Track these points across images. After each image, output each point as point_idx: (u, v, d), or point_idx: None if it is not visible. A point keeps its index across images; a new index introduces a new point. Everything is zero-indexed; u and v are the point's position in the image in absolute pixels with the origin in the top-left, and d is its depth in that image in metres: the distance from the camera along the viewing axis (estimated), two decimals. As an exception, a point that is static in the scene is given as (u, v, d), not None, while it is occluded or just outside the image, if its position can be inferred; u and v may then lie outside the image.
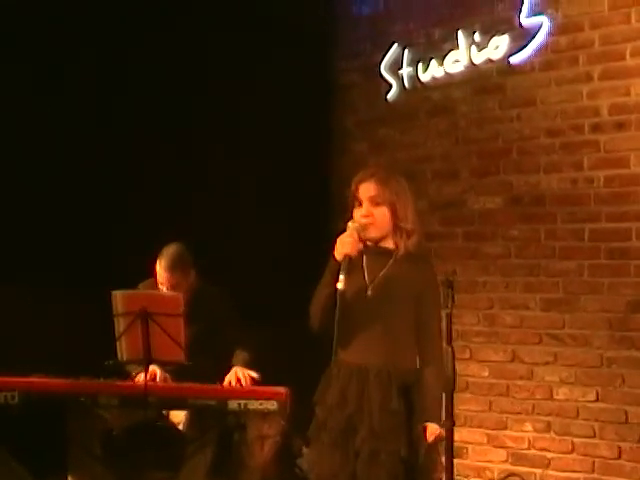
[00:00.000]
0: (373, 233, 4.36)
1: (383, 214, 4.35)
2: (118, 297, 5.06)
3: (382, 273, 4.35)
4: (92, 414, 5.31)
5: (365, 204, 4.37)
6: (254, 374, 5.35)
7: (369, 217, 4.34)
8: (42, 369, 5.28)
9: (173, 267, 5.53)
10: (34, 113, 6.38)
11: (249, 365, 5.40)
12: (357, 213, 4.38)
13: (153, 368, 5.31)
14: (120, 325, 5.05)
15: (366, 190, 4.38)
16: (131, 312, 5.02)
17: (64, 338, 6.05)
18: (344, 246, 4.25)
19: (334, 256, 4.26)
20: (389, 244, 4.39)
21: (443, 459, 4.55)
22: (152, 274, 5.62)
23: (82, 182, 6.53)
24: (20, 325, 6.04)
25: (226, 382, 5.34)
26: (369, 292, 4.34)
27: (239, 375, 5.33)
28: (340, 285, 4.20)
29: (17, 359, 5.28)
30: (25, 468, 5.49)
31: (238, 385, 5.31)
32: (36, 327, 6.07)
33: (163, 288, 5.52)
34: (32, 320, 6.09)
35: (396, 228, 4.36)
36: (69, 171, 6.49)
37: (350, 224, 4.33)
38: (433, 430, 4.29)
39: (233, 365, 5.40)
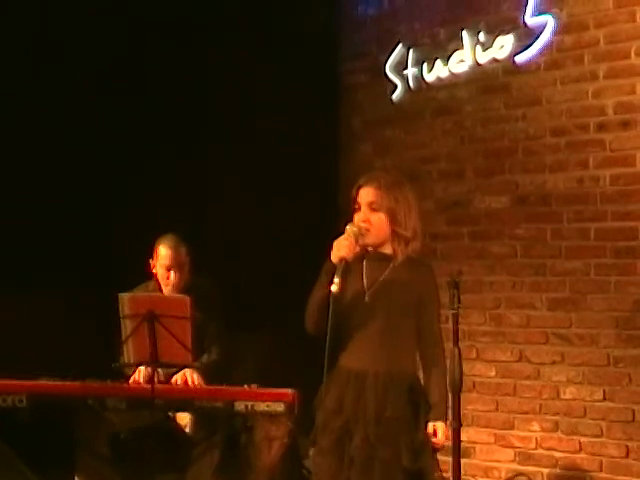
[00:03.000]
0: (371, 239, 4.37)
1: (380, 220, 4.35)
2: (125, 299, 5.06)
3: (380, 279, 4.36)
4: (100, 417, 5.32)
5: (363, 209, 4.38)
6: (199, 380, 5.33)
7: (366, 223, 4.35)
8: (50, 372, 5.29)
9: (177, 245, 5.57)
10: (39, 121, 6.42)
11: (208, 370, 5.39)
12: (356, 218, 4.38)
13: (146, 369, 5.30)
14: (127, 327, 5.05)
15: (365, 195, 4.39)
16: (138, 314, 5.01)
17: (71, 341, 6.07)
18: (340, 249, 4.26)
19: (330, 259, 4.27)
20: (388, 250, 4.39)
21: (450, 459, 4.54)
22: (149, 277, 5.63)
23: (82, 184, 6.54)
24: (27, 329, 6.05)
25: (173, 380, 5.33)
26: (367, 298, 4.35)
27: (187, 377, 5.32)
28: (334, 288, 4.20)
29: (25, 363, 5.28)
30: (33, 471, 5.50)
31: (183, 383, 5.31)
32: (43, 331, 6.09)
33: (170, 273, 5.52)
34: (39, 324, 6.11)
35: (394, 234, 4.36)
36: (69, 174, 6.51)
37: (348, 227, 4.34)
38: (442, 429, 4.30)
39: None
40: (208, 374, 5.39)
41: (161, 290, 5.60)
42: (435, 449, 4.34)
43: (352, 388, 4.33)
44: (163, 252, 5.57)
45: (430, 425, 4.30)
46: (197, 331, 5.25)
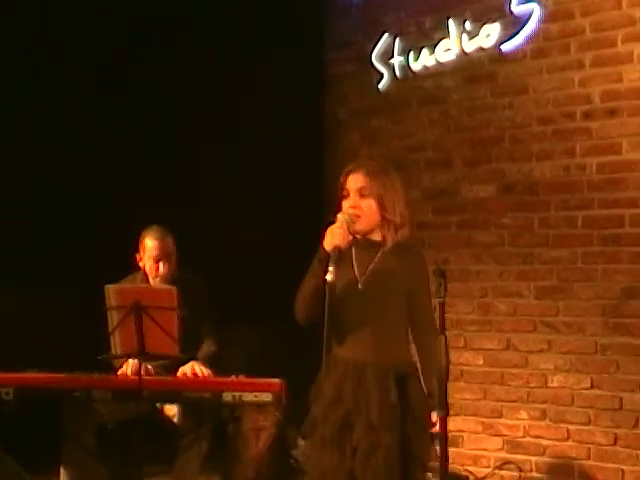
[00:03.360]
0: (360, 225, 4.33)
1: (370, 206, 4.33)
2: (111, 291, 5.04)
3: (371, 266, 4.34)
4: (86, 408, 5.30)
5: (352, 195, 4.35)
6: (207, 372, 5.33)
7: (356, 209, 4.33)
8: (36, 365, 5.27)
9: (163, 235, 5.54)
10: (39, 126, 6.44)
11: (210, 361, 5.40)
12: (345, 204, 4.36)
13: (134, 361, 5.28)
14: (113, 319, 5.02)
15: (354, 181, 4.36)
16: (124, 306, 4.98)
17: (57, 333, 6.06)
18: (334, 237, 4.22)
19: (323, 247, 4.23)
20: (377, 237, 4.37)
21: (438, 448, 4.54)
22: (135, 268, 5.61)
23: (67, 180, 6.54)
24: (12, 321, 6.04)
25: (180, 373, 5.32)
26: (360, 285, 4.32)
27: (196, 369, 5.31)
28: (329, 277, 4.15)
29: (10, 355, 5.26)
30: (19, 463, 5.49)
31: (193, 375, 5.30)
32: (28, 323, 6.08)
33: (159, 265, 5.50)
34: (24, 316, 6.10)
35: (384, 221, 4.34)
36: (65, 173, 6.50)
37: (340, 215, 4.31)
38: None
39: (197, 357, 5.41)
40: (210, 365, 5.39)
41: (148, 282, 5.57)
42: (433, 436, 4.33)
43: (350, 378, 4.30)
44: (150, 244, 5.54)
45: (433, 414, 4.28)
46: (188, 325, 5.25)
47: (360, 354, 4.33)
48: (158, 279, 5.53)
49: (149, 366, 5.34)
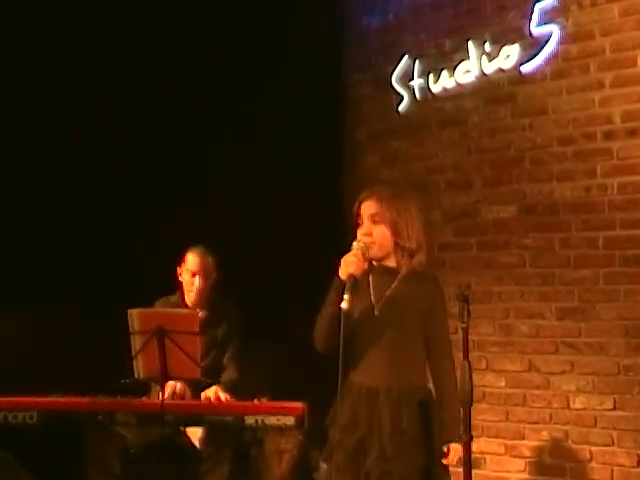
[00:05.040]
0: (374, 252, 4.37)
1: (383, 233, 4.36)
2: (134, 315, 5.07)
3: (387, 293, 4.36)
4: (110, 432, 5.32)
5: (366, 222, 4.39)
6: (228, 398, 5.37)
7: (369, 236, 4.35)
8: (60, 389, 5.29)
9: (205, 254, 5.70)
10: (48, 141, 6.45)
11: (230, 388, 5.43)
12: (360, 232, 4.39)
13: (173, 382, 5.34)
14: (136, 343, 5.07)
15: (367, 208, 4.40)
16: (147, 330, 5.03)
17: (81, 357, 6.08)
18: (349, 266, 4.25)
19: (338, 276, 4.26)
20: (392, 263, 4.39)
21: (461, 471, 4.53)
22: (173, 289, 5.66)
23: (98, 203, 6.58)
24: (37, 345, 6.07)
25: (203, 397, 5.36)
26: (376, 312, 4.35)
27: (219, 394, 5.35)
28: (344, 305, 4.18)
29: (35, 379, 5.29)
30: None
31: (216, 400, 5.34)
32: (52, 347, 6.10)
33: (195, 280, 5.60)
34: (48, 340, 6.12)
35: (397, 247, 4.36)
36: (83, 189, 6.54)
37: (355, 244, 4.34)
38: (456, 450, 4.30)
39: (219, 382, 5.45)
40: (229, 392, 5.42)
41: (184, 302, 5.67)
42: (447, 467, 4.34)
43: (365, 403, 4.33)
44: (191, 258, 5.71)
45: (444, 447, 4.29)
46: (216, 349, 5.37)
47: (375, 380, 4.35)
48: (193, 293, 5.66)
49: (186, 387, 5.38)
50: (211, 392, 5.35)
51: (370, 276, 4.40)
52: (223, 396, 5.33)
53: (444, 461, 4.31)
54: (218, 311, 5.66)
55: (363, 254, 4.31)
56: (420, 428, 4.29)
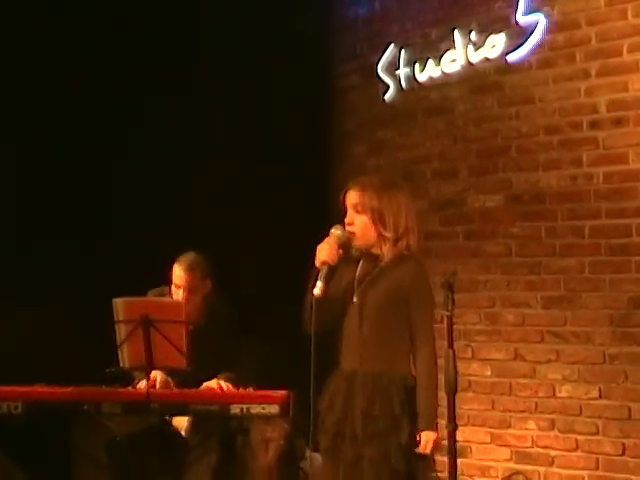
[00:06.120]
0: (357, 242, 4.42)
1: (363, 222, 4.39)
2: (119, 304, 5.05)
3: (367, 279, 4.38)
4: (96, 422, 5.31)
5: (349, 212, 4.43)
6: (231, 387, 5.33)
7: (352, 225, 4.38)
8: (44, 378, 5.28)
9: (191, 268, 5.52)
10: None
11: (232, 382, 5.37)
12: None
13: (154, 373, 5.30)
14: (121, 332, 5.04)
15: (350, 198, 4.45)
16: (132, 319, 5.01)
17: (65, 346, 6.07)
18: (320, 253, 4.32)
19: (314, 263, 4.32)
20: (377, 251, 4.42)
21: (446, 459, 4.54)
22: (165, 282, 5.64)
23: (84, 193, 6.57)
24: (21, 335, 6.05)
25: (204, 386, 5.34)
26: (355, 298, 4.39)
27: (221, 384, 5.32)
28: (316, 291, 4.27)
29: (19, 369, 5.28)
30: (30, 478, 5.50)
31: (219, 389, 5.31)
32: (37, 337, 6.09)
33: (179, 292, 5.50)
34: (33, 330, 6.11)
35: (380, 236, 4.38)
36: (74, 183, 6.53)
37: (332, 230, 4.38)
38: (428, 437, 4.30)
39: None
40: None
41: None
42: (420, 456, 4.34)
43: (342, 388, 4.39)
44: (176, 272, 5.54)
45: (421, 434, 4.30)
46: (213, 350, 5.35)
47: (353, 364, 4.41)
48: None
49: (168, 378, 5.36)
50: (213, 382, 5.32)
51: (360, 263, 4.43)
52: (225, 386, 5.30)
53: (420, 450, 4.31)
54: (215, 317, 5.55)
55: (340, 241, 4.34)
56: (397, 415, 4.29)
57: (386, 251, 4.38)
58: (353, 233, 4.38)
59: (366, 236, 4.39)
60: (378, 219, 4.36)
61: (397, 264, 4.38)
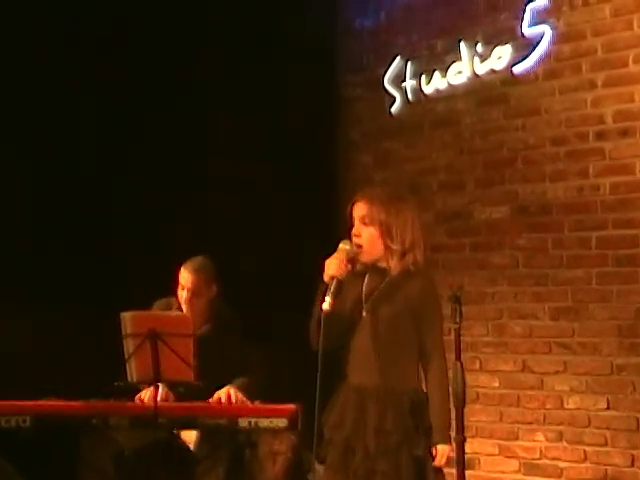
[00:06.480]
0: (364, 255, 4.40)
1: (371, 235, 4.38)
2: (127, 318, 5.05)
3: (375, 294, 4.38)
4: (104, 436, 5.31)
5: (356, 224, 4.42)
6: (241, 397, 5.31)
7: (359, 237, 4.38)
8: (53, 392, 5.28)
9: (198, 270, 5.54)
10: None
11: (244, 390, 5.36)
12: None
13: (152, 388, 5.28)
14: (129, 346, 5.04)
15: (358, 210, 4.43)
16: (140, 333, 5.00)
17: (74, 361, 6.07)
18: (329, 267, 4.30)
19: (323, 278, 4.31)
20: (384, 264, 4.40)
21: (454, 471, 4.54)
22: (169, 293, 5.64)
23: (96, 204, 6.57)
24: (30, 349, 6.06)
25: (215, 397, 5.31)
26: (364, 312, 4.37)
27: (230, 393, 5.31)
28: (325, 306, 4.25)
29: (28, 383, 5.28)
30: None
31: (228, 401, 5.28)
32: (46, 350, 6.09)
33: (184, 293, 5.53)
34: (42, 343, 6.11)
35: (387, 249, 4.37)
36: (78, 186, 6.53)
37: (341, 245, 4.37)
38: (443, 451, 4.30)
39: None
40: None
41: (181, 308, 5.59)
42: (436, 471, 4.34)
43: (353, 403, 4.36)
44: (184, 274, 5.57)
45: (432, 449, 4.30)
46: (220, 360, 5.34)
47: (363, 379, 4.38)
48: (185, 306, 5.56)
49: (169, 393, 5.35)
50: (222, 392, 5.32)
51: (367, 276, 4.42)
52: (234, 396, 5.30)
53: (436, 463, 4.31)
54: (221, 324, 5.56)
55: (348, 255, 4.33)
56: (409, 429, 4.29)
57: (393, 265, 4.36)
58: (360, 246, 4.37)
59: (373, 249, 4.38)
60: (385, 231, 4.35)
61: (407, 278, 4.37)
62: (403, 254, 4.36)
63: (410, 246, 4.37)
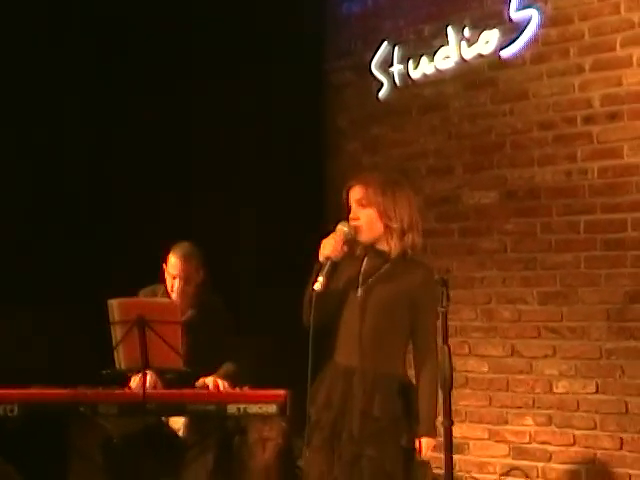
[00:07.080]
0: (363, 236, 4.38)
1: (369, 216, 4.37)
2: (114, 305, 5.03)
3: (375, 276, 4.36)
4: (92, 423, 5.29)
5: (353, 207, 4.40)
6: (227, 384, 5.30)
7: (357, 220, 4.36)
8: (40, 380, 5.26)
9: (187, 256, 5.54)
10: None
11: (231, 377, 5.36)
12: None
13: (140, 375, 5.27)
14: (117, 333, 5.02)
15: (354, 194, 4.42)
16: (128, 320, 4.99)
17: (61, 348, 6.06)
18: (325, 248, 4.30)
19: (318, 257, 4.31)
20: (384, 246, 4.38)
21: (442, 456, 4.53)
22: (156, 280, 5.63)
23: (77, 190, 6.55)
24: (17, 337, 6.04)
25: (200, 381, 5.31)
26: (359, 294, 4.36)
27: (218, 383, 5.30)
28: (317, 286, 4.25)
29: (15, 371, 5.26)
30: (26, 479, 5.49)
31: (215, 388, 5.28)
32: (33, 338, 6.08)
33: (175, 282, 5.52)
34: (29, 331, 6.10)
35: (386, 229, 4.36)
36: (64, 183, 6.52)
37: (339, 226, 4.36)
38: (428, 444, 4.30)
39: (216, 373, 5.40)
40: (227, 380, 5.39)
41: (169, 296, 5.58)
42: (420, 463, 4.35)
43: (340, 384, 4.36)
44: (172, 260, 5.56)
45: (417, 440, 4.30)
46: (208, 345, 5.34)
47: (352, 361, 4.37)
48: (174, 294, 5.55)
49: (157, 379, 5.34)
50: (210, 380, 5.31)
51: (365, 258, 4.41)
52: (222, 384, 5.29)
53: (419, 456, 4.31)
54: (206, 309, 5.55)
55: (345, 237, 4.32)
56: (398, 417, 4.28)
57: (393, 244, 4.34)
58: (359, 227, 4.36)
59: (372, 229, 4.37)
60: (384, 211, 4.34)
61: (407, 267, 4.36)
62: (403, 233, 4.35)
63: (409, 226, 4.36)
